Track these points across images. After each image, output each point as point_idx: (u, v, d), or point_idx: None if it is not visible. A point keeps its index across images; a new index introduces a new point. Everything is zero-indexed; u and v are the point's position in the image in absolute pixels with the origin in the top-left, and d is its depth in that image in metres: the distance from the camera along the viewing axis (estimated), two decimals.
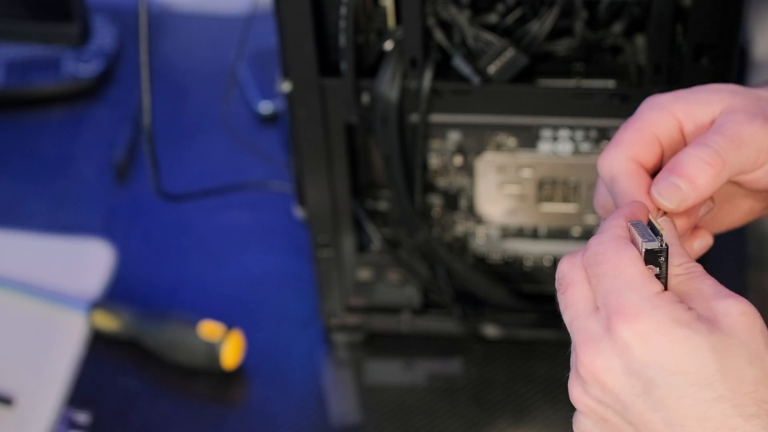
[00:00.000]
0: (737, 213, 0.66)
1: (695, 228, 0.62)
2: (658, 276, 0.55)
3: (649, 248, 0.55)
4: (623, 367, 0.53)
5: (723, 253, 0.96)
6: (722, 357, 0.52)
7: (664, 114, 0.60)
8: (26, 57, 1.24)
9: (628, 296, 0.53)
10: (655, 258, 0.55)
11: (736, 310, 0.53)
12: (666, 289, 0.56)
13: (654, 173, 0.60)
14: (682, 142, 0.60)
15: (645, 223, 0.57)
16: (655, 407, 0.52)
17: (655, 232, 0.56)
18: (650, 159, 0.60)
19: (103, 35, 1.26)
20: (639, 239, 0.55)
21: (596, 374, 0.54)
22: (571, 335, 0.56)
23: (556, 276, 0.58)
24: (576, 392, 0.56)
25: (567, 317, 0.57)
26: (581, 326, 0.55)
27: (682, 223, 0.60)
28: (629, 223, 0.57)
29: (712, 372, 0.52)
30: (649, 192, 0.59)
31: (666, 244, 0.55)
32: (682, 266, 0.56)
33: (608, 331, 0.53)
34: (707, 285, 0.55)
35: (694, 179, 0.57)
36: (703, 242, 0.63)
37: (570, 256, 0.58)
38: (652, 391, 0.52)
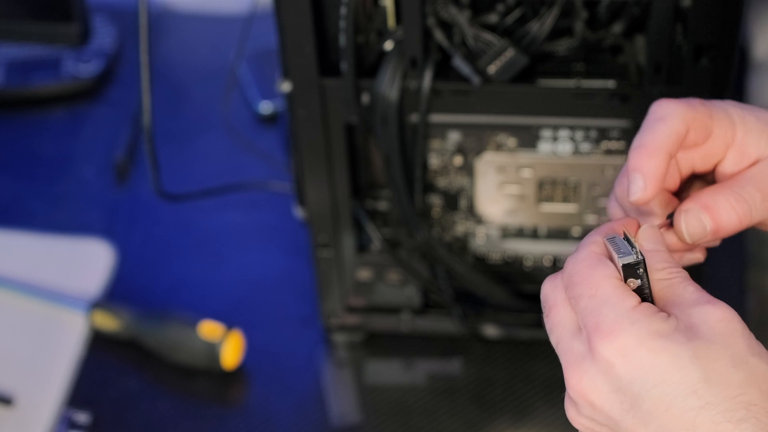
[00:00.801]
0: None
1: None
2: (640, 288, 0.56)
3: (625, 263, 0.56)
4: (609, 385, 0.53)
5: (723, 253, 0.96)
6: (705, 364, 0.52)
7: (729, 125, 0.60)
8: (26, 57, 1.24)
9: (605, 314, 0.54)
10: (634, 271, 0.56)
11: (714, 316, 0.53)
12: (651, 297, 0.56)
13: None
14: (719, 155, 0.61)
15: (622, 236, 0.57)
16: (645, 421, 0.53)
17: (632, 244, 0.56)
18: (692, 140, 0.60)
19: (103, 35, 1.26)
20: (614, 254, 0.56)
21: (585, 395, 0.54)
22: (559, 357, 0.56)
23: (541, 298, 0.59)
24: (571, 413, 0.57)
25: (552, 340, 0.57)
26: (566, 348, 0.56)
27: (678, 245, 0.61)
28: (605, 239, 0.57)
29: (696, 380, 0.52)
30: (668, 154, 0.59)
31: (642, 256, 0.56)
32: (665, 271, 0.56)
33: (590, 351, 0.54)
34: (689, 291, 0.55)
35: (720, 224, 0.59)
36: (693, 258, 0.63)
37: (551, 277, 0.58)
38: (640, 405, 0.53)
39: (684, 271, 0.56)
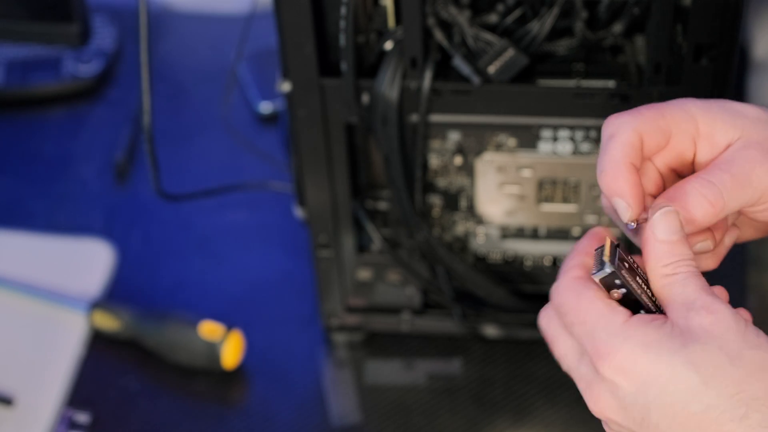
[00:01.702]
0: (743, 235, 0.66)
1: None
2: (627, 295, 0.56)
3: (598, 279, 0.56)
4: (618, 401, 0.55)
5: None
6: (701, 367, 0.53)
7: (688, 118, 0.60)
8: (26, 57, 1.24)
9: (599, 337, 0.55)
10: (612, 282, 0.56)
11: (708, 320, 0.54)
12: (643, 299, 0.56)
13: (645, 160, 0.61)
14: (691, 151, 0.61)
15: (609, 243, 0.57)
16: (657, 431, 0.54)
17: (602, 256, 0.57)
18: (652, 145, 0.60)
19: (103, 35, 1.26)
20: (590, 274, 0.57)
21: (603, 414, 0.56)
22: (576, 384, 0.58)
23: (541, 332, 0.60)
24: (605, 430, 0.59)
25: (564, 369, 0.59)
26: (577, 375, 0.57)
27: None
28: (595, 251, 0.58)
29: (695, 384, 0.53)
30: (631, 165, 0.59)
31: (612, 267, 0.56)
32: (670, 266, 0.56)
33: (596, 374, 0.56)
34: (688, 291, 0.55)
35: (692, 215, 0.58)
36: (704, 245, 0.62)
37: (544, 310, 0.59)
38: (649, 416, 0.54)
39: (691, 264, 0.56)
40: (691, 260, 0.57)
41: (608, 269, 0.56)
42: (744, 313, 0.58)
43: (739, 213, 0.63)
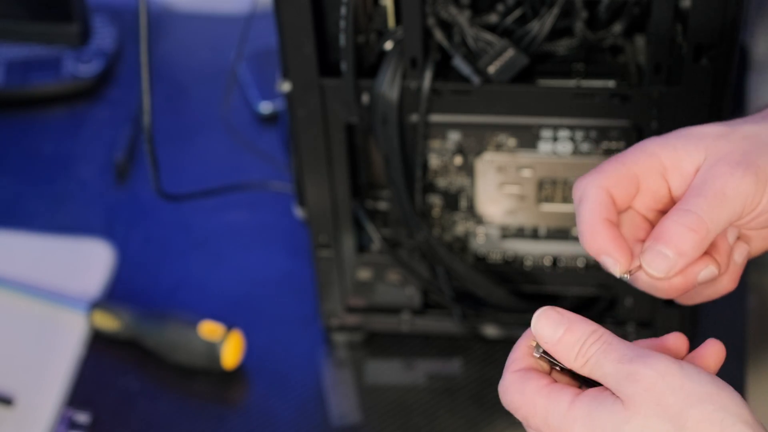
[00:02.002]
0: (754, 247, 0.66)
1: (702, 256, 0.62)
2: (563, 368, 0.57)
3: (538, 355, 0.58)
4: None
5: None
6: None
7: (651, 158, 0.61)
8: (26, 57, 1.24)
9: (553, 425, 0.55)
10: (549, 360, 0.58)
11: (640, 387, 0.53)
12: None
13: (622, 211, 0.62)
14: (664, 187, 0.61)
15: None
16: None
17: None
18: (623, 195, 0.61)
19: (103, 35, 1.26)
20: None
21: None
22: None
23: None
24: None
25: None
26: None
27: (678, 284, 0.61)
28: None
29: None
30: (607, 219, 0.60)
31: (539, 349, 0.58)
32: (578, 358, 0.57)
33: None
34: (607, 369, 0.55)
35: (679, 247, 0.58)
36: (707, 272, 0.62)
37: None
38: None
39: (598, 338, 0.56)
40: (592, 335, 0.56)
41: (535, 353, 0.58)
42: (677, 340, 0.58)
43: (739, 230, 0.63)
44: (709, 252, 0.61)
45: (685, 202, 0.59)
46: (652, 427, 0.53)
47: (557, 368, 0.58)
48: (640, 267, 0.60)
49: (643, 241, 0.61)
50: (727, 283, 0.64)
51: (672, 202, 0.61)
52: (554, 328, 0.57)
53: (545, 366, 0.58)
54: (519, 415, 0.57)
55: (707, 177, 0.59)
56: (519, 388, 0.57)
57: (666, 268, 0.59)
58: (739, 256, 0.64)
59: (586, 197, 0.61)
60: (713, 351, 0.58)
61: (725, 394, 0.53)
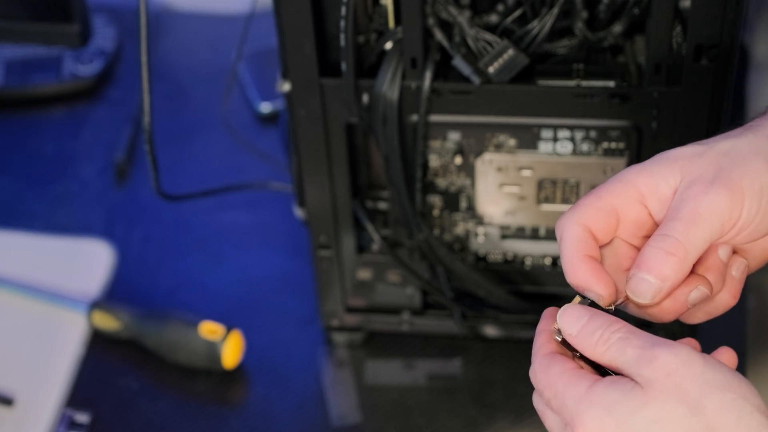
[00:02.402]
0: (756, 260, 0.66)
1: (691, 277, 0.62)
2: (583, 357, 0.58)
3: (560, 340, 0.59)
4: None
5: None
6: (663, 424, 0.53)
7: (628, 186, 0.61)
8: (26, 57, 1.24)
9: (569, 406, 0.56)
10: (569, 348, 0.59)
11: (661, 373, 0.54)
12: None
13: (605, 243, 0.62)
14: (645, 214, 0.62)
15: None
16: None
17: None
18: (602, 227, 0.61)
19: (103, 35, 1.26)
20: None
21: None
22: None
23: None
24: None
25: None
26: None
27: (669, 307, 0.61)
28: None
29: None
30: (587, 255, 0.61)
31: (560, 335, 0.59)
32: (599, 342, 0.57)
33: None
34: (629, 353, 0.56)
35: (660, 272, 0.59)
36: (697, 293, 0.62)
37: (534, 393, 0.61)
38: None
39: (619, 329, 0.57)
40: (615, 324, 0.57)
41: (558, 337, 0.59)
42: (692, 343, 0.58)
43: (730, 245, 0.63)
44: (698, 272, 0.62)
45: (663, 226, 0.59)
46: (670, 412, 0.53)
47: (577, 355, 0.59)
48: (627, 297, 0.61)
49: (627, 270, 0.61)
50: (727, 299, 0.64)
51: (655, 227, 0.61)
52: (577, 319, 0.59)
53: (569, 352, 0.59)
54: (544, 396, 0.58)
55: (682, 199, 0.59)
56: (545, 370, 0.59)
57: (651, 294, 0.59)
58: (737, 271, 0.64)
59: (565, 235, 0.61)
60: (726, 358, 0.59)
61: (744, 384, 0.54)
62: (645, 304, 0.60)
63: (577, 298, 0.60)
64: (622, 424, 0.54)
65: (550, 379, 0.58)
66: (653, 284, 0.59)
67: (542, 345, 0.61)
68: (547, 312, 0.62)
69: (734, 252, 0.63)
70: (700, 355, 0.55)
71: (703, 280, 0.61)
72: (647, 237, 0.62)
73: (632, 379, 0.55)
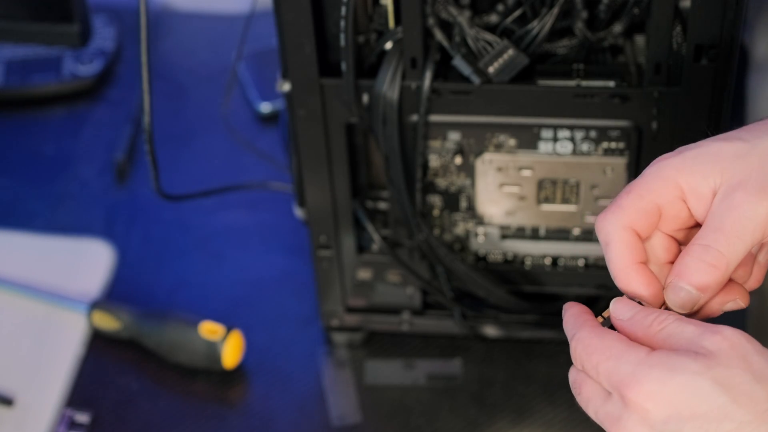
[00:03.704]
0: None
1: (729, 286, 0.62)
2: None
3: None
4: (650, 428, 0.55)
5: None
6: (728, 388, 0.54)
7: (669, 183, 0.60)
8: (26, 57, 1.24)
9: (625, 369, 0.56)
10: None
11: (726, 344, 0.55)
12: None
13: (648, 239, 0.62)
14: (685, 210, 0.61)
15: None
16: None
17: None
18: (647, 227, 0.61)
19: (103, 35, 1.26)
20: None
21: None
22: (603, 426, 0.59)
23: (570, 385, 0.62)
24: None
25: (591, 413, 0.59)
26: (604, 414, 0.58)
27: (703, 313, 0.61)
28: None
29: (724, 404, 0.54)
30: (638, 263, 0.61)
31: (608, 322, 0.60)
32: (653, 325, 0.58)
33: (625, 406, 0.56)
34: (689, 330, 0.56)
35: (701, 283, 0.59)
36: (733, 305, 0.63)
37: (572, 367, 0.61)
38: None
39: (672, 313, 0.58)
40: (666, 312, 0.58)
41: (606, 324, 0.60)
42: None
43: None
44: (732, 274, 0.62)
45: (705, 236, 0.59)
46: (736, 377, 0.54)
47: None
48: (664, 302, 0.61)
49: (672, 262, 0.61)
50: (751, 283, 0.64)
51: (693, 221, 0.61)
52: (631, 306, 0.59)
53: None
54: (591, 361, 0.58)
55: (725, 207, 0.59)
56: (599, 335, 0.58)
57: (690, 304, 0.60)
58: (763, 258, 0.63)
59: (613, 240, 0.61)
60: None
61: None
62: (681, 313, 0.60)
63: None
64: (686, 386, 0.54)
65: (606, 342, 0.58)
66: (693, 295, 0.59)
67: (586, 321, 0.60)
68: (570, 304, 0.62)
69: None
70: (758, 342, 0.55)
71: (740, 291, 0.62)
72: (685, 230, 0.62)
73: (691, 351, 0.55)
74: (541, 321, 0.91)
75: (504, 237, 0.88)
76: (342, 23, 0.77)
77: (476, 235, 0.88)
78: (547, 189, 0.85)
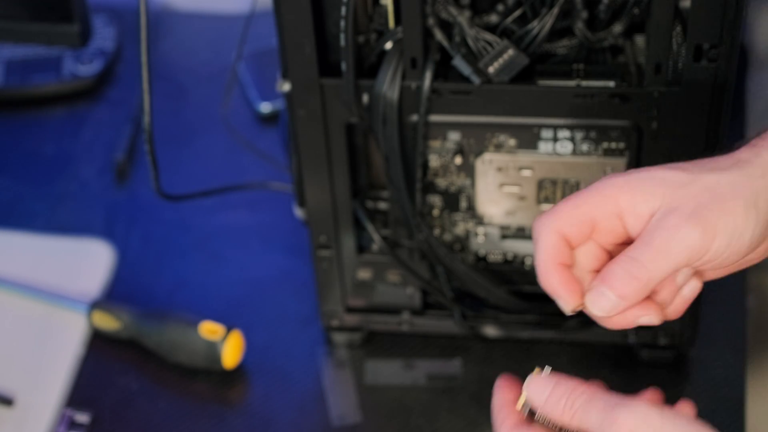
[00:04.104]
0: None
1: (647, 300, 0.65)
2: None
3: (521, 419, 0.64)
4: None
5: None
6: None
7: (608, 200, 0.63)
8: (26, 57, 1.24)
9: None
10: (539, 419, 0.63)
11: (626, 429, 0.58)
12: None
13: (578, 245, 0.65)
14: (620, 226, 0.64)
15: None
16: None
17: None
18: (578, 235, 0.64)
19: (103, 35, 1.26)
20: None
21: None
22: None
23: None
24: None
25: None
26: None
27: (618, 322, 0.64)
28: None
29: None
30: (560, 264, 0.64)
31: (527, 408, 0.64)
32: (566, 407, 0.62)
33: None
34: (593, 418, 0.60)
35: (621, 291, 0.62)
36: (647, 319, 0.65)
37: None
38: None
39: (583, 391, 0.62)
40: (578, 389, 0.62)
41: (525, 410, 0.64)
42: (653, 396, 0.64)
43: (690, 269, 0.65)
44: (651, 294, 0.64)
45: (633, 248, 0.62)
46: None
47: (543, 423, 0.63)
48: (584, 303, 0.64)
49: (598, 271, 0.64)
50: (671, 312, 0.66)
51: (627, 238, 0.64)
52: (543, 388, 0.63)
53: (534, 423, 0.64)
54: None
55: (657, 227, 0.61)
56: None
57: (608, 308, 0.62)
58: (689, 291, 0.66)
59: (541, 239, 0.64)
60: (686, 410, 0.63)
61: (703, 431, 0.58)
62: (599, 316, 0.63)
63: (537, 369, 0.64)
64: None
65: None
66: (611, 300, 0.62)
67: (506, 417, 0.65)
68: (500, 384, 0.67)
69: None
70: (658, 409, 0.58)
71: (656, 308, 0.64)
72: (619, 245, 0.65)
73: None
74: (541, 321, 0.91)
75: (504, 237, 0.88)
76: (342, 23, 0.77)
77: (476, 235, 0.88)
78: (547, 189, 0.85)
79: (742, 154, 0.63)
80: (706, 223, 0.60)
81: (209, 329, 0.92)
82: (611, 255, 0.65)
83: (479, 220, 0.88)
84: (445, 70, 0.80)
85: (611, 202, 0.63)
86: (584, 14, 0.78)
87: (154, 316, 0.95)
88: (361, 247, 0.90)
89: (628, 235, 0.64)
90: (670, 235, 0.61)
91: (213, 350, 0.92)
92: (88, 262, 1.04)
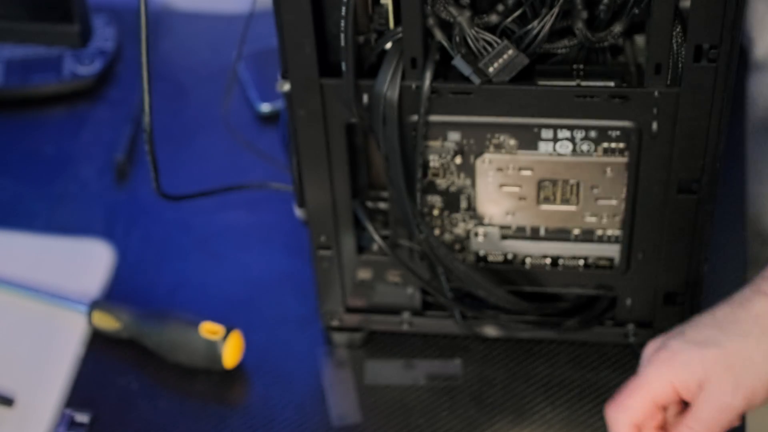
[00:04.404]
0: None
1: None
2: None
3: None
4: None
5: (724, 253, 0.96)
6: None
7: (665, 384, 0.73)
8: (26, 57, 1.24)
9: None
10: None
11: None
12: None
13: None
14: (675, 395, 0.74)
15: None
16: None
17: None
18: (651, 422, 0.74)
19: (103, 35, 1.26)
20: None
21: None
22: None
23: None
24: None
25: None
26: None
27: None
28: None
29: None
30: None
31: None
32: None
33: None
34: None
35: None
36: None
37: None
38: None
39: None
40: None
41: None
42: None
43: None
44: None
45: (690, 419, 0.73)
46: None
47: None
48: None
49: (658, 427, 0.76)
50: None
51: (680, 398, 0.75)
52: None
53: None
54: None
55: (707, 402, 0.73)
56: None
57: None
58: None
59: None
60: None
61: None
62: None
63: None
64: None
65: None
66: None
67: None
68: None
69: None
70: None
71: None
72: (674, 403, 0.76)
73: None
74: (541, 321, 0.91)
75: (504, 237, 0.88)
76: (342, 23, 0.77)
77: (476, 235, 0.88)
78: (547, 189, 0.85)
79: (758, 305, 0.74)
80: (753, 397, 0.72)
81: (209, 329, 0.92)
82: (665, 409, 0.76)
83: (479, 220, 0.88)
84: (445, 70, 0.80)
85: (668, 385, 0.73)
86: (584, 14, 0.78)
87: (154, 316, 0.94)
88: (361, 247, 0.90)
89: (681, 397, 0.74)
90: (717, 407, 0.72)
91: (213, 350, 0.92)
92: (88, 262, 1.04)
